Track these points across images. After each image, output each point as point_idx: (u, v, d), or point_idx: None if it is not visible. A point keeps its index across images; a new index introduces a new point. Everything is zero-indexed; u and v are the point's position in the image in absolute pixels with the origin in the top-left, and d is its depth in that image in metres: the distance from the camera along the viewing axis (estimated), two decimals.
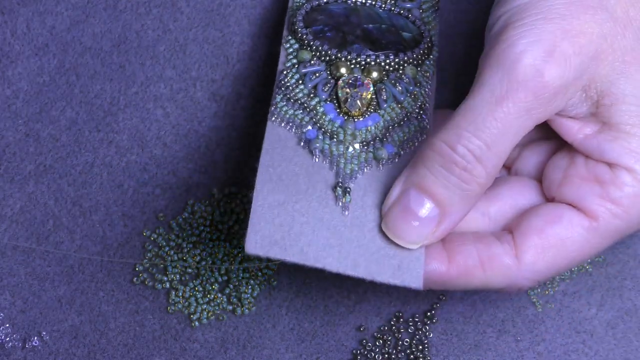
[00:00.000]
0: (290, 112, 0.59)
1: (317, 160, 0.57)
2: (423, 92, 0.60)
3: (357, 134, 0.58)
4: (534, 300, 0.66)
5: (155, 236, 0.67)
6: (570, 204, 0.57)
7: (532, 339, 0.65)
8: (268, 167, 0.56)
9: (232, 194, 0.67)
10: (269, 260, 0.66)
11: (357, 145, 0.58)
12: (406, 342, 0.65)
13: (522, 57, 0.54)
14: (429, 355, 0.64)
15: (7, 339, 0.65)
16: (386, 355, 0.64)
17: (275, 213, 0.55)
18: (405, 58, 0.60)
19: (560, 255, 0.56)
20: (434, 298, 0.66)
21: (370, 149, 0.58)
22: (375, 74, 0.60)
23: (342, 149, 0.58)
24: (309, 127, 0.58)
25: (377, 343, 0.65)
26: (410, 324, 0.65)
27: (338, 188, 0.56)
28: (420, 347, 0.64)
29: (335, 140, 0.58)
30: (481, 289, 0.57)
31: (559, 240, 0.56)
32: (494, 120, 0.53)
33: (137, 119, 0.68)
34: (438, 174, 0.54)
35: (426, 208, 0.55)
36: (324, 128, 0.58)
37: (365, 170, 0.57)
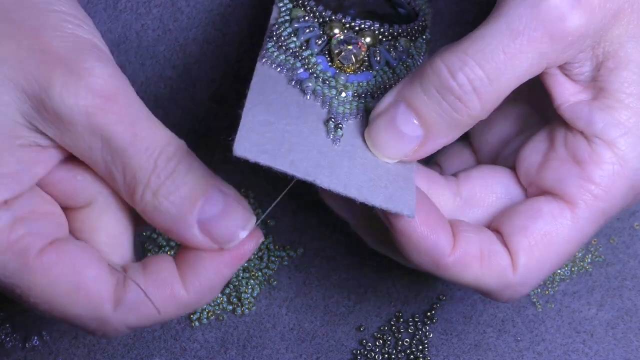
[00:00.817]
0: (282, 57, 0.58)
1: (308, 97, 0.56)
2: (416, 65, 0.59)
3: (349, 85, 0.57)
4: (534, 300, 0.66)
5: (155, 236, 0.67)
6: (549, 191, 0.55)
7: (532, 339, 0.65)
8: (258, 95, 0.54)
9: None
10: (269, 255, 0.66)
11: (350, 93, 0.57)
12: (406, 342, 0.65)
13: None
14: (429, 355, 0.64)
15: (7, 338, 0.65)
16: (386, 355, 0.64)
17: (266, 129, 0.52)
18: (400, 30, 0.60)
19: (548, 250, 0.54)
20: (434, 298, 0.66)
21: (362, 101, 0.56)
22: (368, 39, 0.59)
23: (334, 93, 0.57)
24: (301, 70, 0.57)
25: (377, 343, 0.65)
26: (410, 324, 0.65)
27: (330, 122, 0.55)
28: (420, 347, 0.64)
29: (327, 85, 0.57)
30: (472, 287, 0.55)
31: (543, 235, 0.54)
32: (502, 54, 0.52)
33: None
34: (431, 96, 0.53)
35: (411, 126, 0.53)
36: (316, 74, 0.57)
37: (357, 117, 0.56)
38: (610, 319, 0.65)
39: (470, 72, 0.52)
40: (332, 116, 0.55)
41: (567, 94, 0.55)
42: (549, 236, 0.54)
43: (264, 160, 0.51)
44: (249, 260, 0.66)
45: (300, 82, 0.56)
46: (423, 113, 0.53)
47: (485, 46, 0.52)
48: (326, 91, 0.56)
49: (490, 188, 0.57)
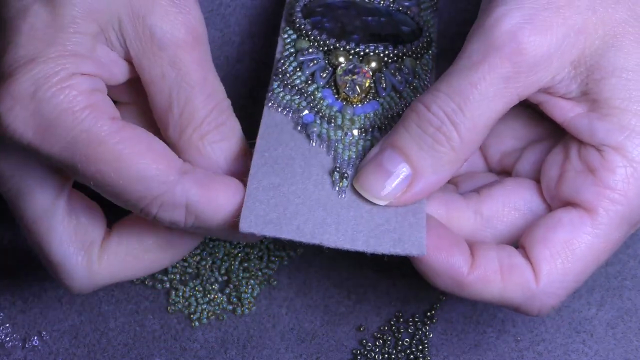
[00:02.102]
0: (288, 97, 0.58)
1: (314, 144, 0.57)
2: (422, 84, 0.60)
3: (356, 119, 0.58)
4: None
5: None
6: (569, 202, 0.55)
7: (532, 339, 0.65)
8: (263, 152, 0.56)
9: None
10: (269, 255, 0.66)
11: (355, 132, 0.58)
12: (406, 342, 0.65)
13: (499, 23, 0.53)
14: (429, 355, 0.64)
15: (7, 338, 0.65)
16: (386, 355, 0.64)
17: (271, 195, 0.54)
18: (405, 50, 0.60)
19: (570, 259, 0.54)
20: (434, 298, 0.66)
21: (369, 137, 0.57)
22: (374, 64, 0.60)
23: (340, 135, 0.57)
24: (306, 112, 0.58)
25: (377, 343, 0.65)
26: (410, 324, 0.65)
27: (335, 173, 0.56)
28: (420, 347, 0.64)
29: (333, 124, 0.58)
30: (498, 302, 0.55)
31: (564, 243, 0.54)
32: (469, 85, 0.53)
33: None
34: (413, 133, 0.54)
35: (398, 166, 0.54)
36: (322, 112, 0.58)
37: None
38: (610, 319, 0.65)
39: (443, 105, 0.53)
40: (337, 166, 0.56)
41: (564, 111, 0.56)
42: (570, 244, 0.54)
43: (270, 231, 0.53)
44: (249, 260, 0.66)
45: (305, 127, 0.57)
46: (407, 151, 0.54)
47: (452, 81, 0.54)
48: (332, 134, 0.57)
49: (512, 205, 0.57)
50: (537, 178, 0.58)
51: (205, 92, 0.56)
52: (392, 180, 0.54)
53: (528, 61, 0.53)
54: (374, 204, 0.55)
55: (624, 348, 0.65)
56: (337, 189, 0.55)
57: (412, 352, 0.64)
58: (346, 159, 0.56)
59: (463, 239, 0.56)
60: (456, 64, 0.54)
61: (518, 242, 0.56)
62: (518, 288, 0.54)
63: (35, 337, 0.65)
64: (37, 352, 0.65)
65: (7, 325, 0.65)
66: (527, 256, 0.55)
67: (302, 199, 0.54)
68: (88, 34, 0.54)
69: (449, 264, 0.54)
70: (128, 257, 0.57)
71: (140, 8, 0.54)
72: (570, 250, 0.54)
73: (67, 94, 0.52)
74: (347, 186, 0.55)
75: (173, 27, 0.55)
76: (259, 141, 0.56)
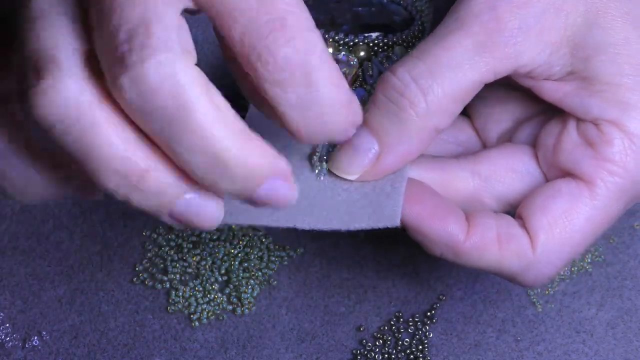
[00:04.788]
0: None
1: None
2: None
3: None
4: (534, 300, 0.66)
5: (155, 236, 0.67)
6: (567, 172, 0.55)
7: (532, 339, 0.65)
8: None
9: None
10: (269, 255, 0.66)
11: None
12: (406, 342, 0.65)
13: None
14: (429, 355, 0.64)
15: (7, 338, 0.65)
16: (386, 355, 0.64)
17: None
18: (395, 39, 0.60)
19: (569, 228, 0.54)
20: (434, 298, 0.66)
21: None
22: (362, 53, 0.59)
23: None
24: None
25: (377, 343, 0.65)
26: (410, 324, 0.65)
27: (314, 157, 0.55)
28: (420, 347, 0.64)
29: None
30: (494, 270, 0.55)
31: (563, 213, 0.54)
32: (442, 50, 0.52)
33: None
34: (377, 102, 0.53)
35: (364, 138, 0.53)
36: None
37: None
38: (610, 319, 0.65)
39: (412, 67, 0.52)
40: (317, 150, 0.55)
41: (551, 92, 0.55)
42: (569, 214, 0.54)
43: (245, 220, 0.52)
44: (249, 260, 0.66)
45: None
46: (371, 121, 0.53)
47: (426, 47, 0.52)
48: None
49: (510, 166, 0.56)
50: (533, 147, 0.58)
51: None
52: (360, 153, 0.54)
53: (504, 32, 0.52)
54: (352, 181, 0.54)
55: (624, 348, 0.65)
56: (316, 172, 0.55)
57: (412, 352, 0.64)
58: (326, 144, 0.56)
59: (459, 207, 0.55)
60: (432, 34, 0.53)
61: (516, 212, 0.56)
62: (514, 256, 0.54)
63: (35, 337, 0.65)
64: (37, 352, 0.65)
65: (7, 325, 0.65)
66: (524, 226, 0.54)
67: None
68: None
69: (445, 231, 0.53)
70: None
71: None
72: (569, 220, 0.54)
73: None
74: (326, 168, 0.55)
75: None
76: None
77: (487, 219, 0.54)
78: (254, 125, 0.57)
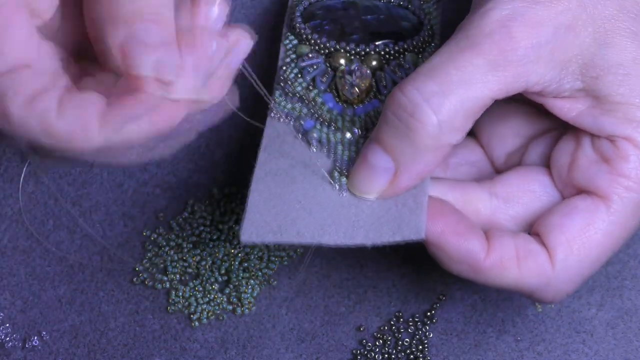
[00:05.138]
0: (289, 105, 0.58)
1: (314, 150, 0.57)
2: None
3: (357, 119, 0.58)
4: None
5: (155, 236, 0.67)
6: (582, 190, 0.55)
7: (532, 339, 0.65)
8: (265, 164, 0.56)
9: (232, 194, 0.67)
10: (269, 255, 0.66)
11: (356, 131, 0.57)
12: (406, 342, 0.65)
13: (490, 13, 0.52)
14: (429, 355, 0.64)
15: (7, 339, 0.65)
16: (386, 355, 0.64)
17: (271, 205, 0.54)
18: (405, 46, 0.60)
19: (587, 246, 0.54)
20: (434, 298, 0.66)
21: (370, 134, 0.57)
22: (374, 63, 0.59)
23: (339, 137, 0.57)
24: (307, 119, 0.58)
25: (377, 343, 0.65)
26: (410, 324, 0.65)
27: (335, 172, 0.56)
28: (420, 347, 0.64)
29: (333, 127, 0.58)
30: (513, 288, 0.55)
31: (580, 229, 0.54)
32: (453, 69, 0.52)
33: None
34: (389, 121, 0.53)
35: (381, 158, 0.54)
36: (322, 117, 0.58)
37: None
38: (610, 319, 0.65)
39: (422, 86, 0.52)
40: (337, 165, 0.56)
41: (565, 110, 0.55)
42: (586, 231, 0.54)
43: (270, 239, 0.53)
44: (249, 260, 0.66)
45: (305, 133, 0.57)
46: (386, 141, 0.53)
47: (435, 64, 0.52)
48: (331, 137, 0.57)
49: (527, 187, 0.57)
50: (547, 166, 0.58)
51: None
52: (377, 173, 0.54)
53: (517, 51, 0.52)
54: (374, 199, 0.55)
55: (624, 348, 0.65)
56: (337, 187, 0.55)
57: (412, 352, 0.64)
58: (346, 159, 0.56)
59: (478, 225, 0.55)
60: (441, 50, 0.53)
61: (532, 229, 0.56)
62: (534, 274, 0.54)
63: (35, 337, 0.65)
64: (37, 352, 0.65)
65: (7, 325, 0.65)
66: (542, 243, 0.55)
67: (302, 204, 0.55)
68: None
69: (466, 249, 0.54)
70: None
71: None
72: (587, 237, 0.54)
73: None
74: (346, 183, 0.55)
75: None
76: (261, 154, 0.56)
77: (506, 237, 0.55)
78: (272, 143, 0.57)
